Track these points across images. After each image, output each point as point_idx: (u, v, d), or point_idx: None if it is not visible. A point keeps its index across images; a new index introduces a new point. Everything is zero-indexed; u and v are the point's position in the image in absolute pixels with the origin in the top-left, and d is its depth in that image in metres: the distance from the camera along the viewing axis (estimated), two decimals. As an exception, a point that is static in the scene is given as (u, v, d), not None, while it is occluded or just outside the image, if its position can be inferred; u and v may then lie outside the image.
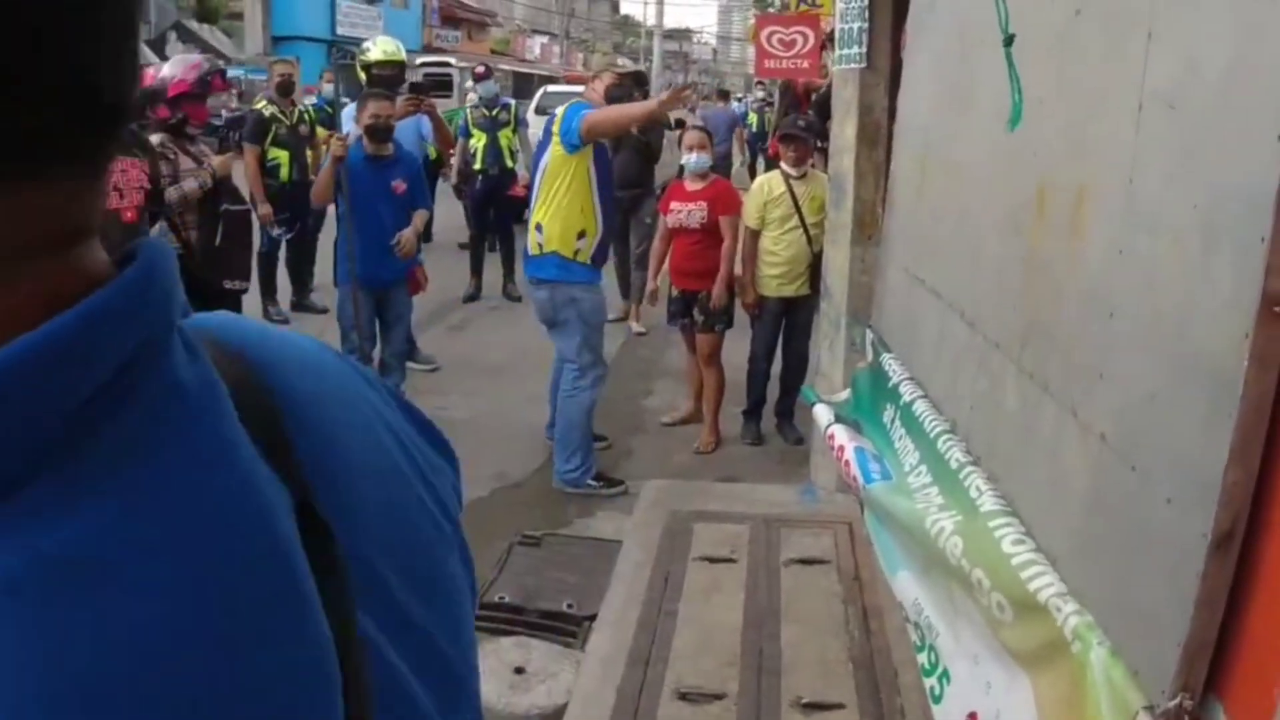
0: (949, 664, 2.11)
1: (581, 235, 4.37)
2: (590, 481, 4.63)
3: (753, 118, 15.91)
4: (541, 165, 4.43)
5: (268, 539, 0.41)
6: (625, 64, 5.02)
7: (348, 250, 4.96)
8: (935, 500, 2.21)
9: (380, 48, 6.27)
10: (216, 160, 5.17)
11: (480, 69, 9.18)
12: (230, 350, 0.47)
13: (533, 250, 4.48)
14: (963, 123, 2.31)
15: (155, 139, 4.69)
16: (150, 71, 5.63)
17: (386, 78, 6.17)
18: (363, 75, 6.37)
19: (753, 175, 12.28)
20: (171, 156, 4.66)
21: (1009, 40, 1.63)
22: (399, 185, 5.03)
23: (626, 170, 7.35)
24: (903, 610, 2.42)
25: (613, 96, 4.52)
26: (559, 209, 4.35)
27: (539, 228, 4.42)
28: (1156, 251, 1.36)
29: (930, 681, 2.20)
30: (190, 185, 4.69)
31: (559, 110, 4.46)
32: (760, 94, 16.97)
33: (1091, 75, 1.60)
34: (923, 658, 2.28)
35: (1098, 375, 1.55)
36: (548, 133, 4.45)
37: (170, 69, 5.03)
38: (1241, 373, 1.14)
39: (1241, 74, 1.20)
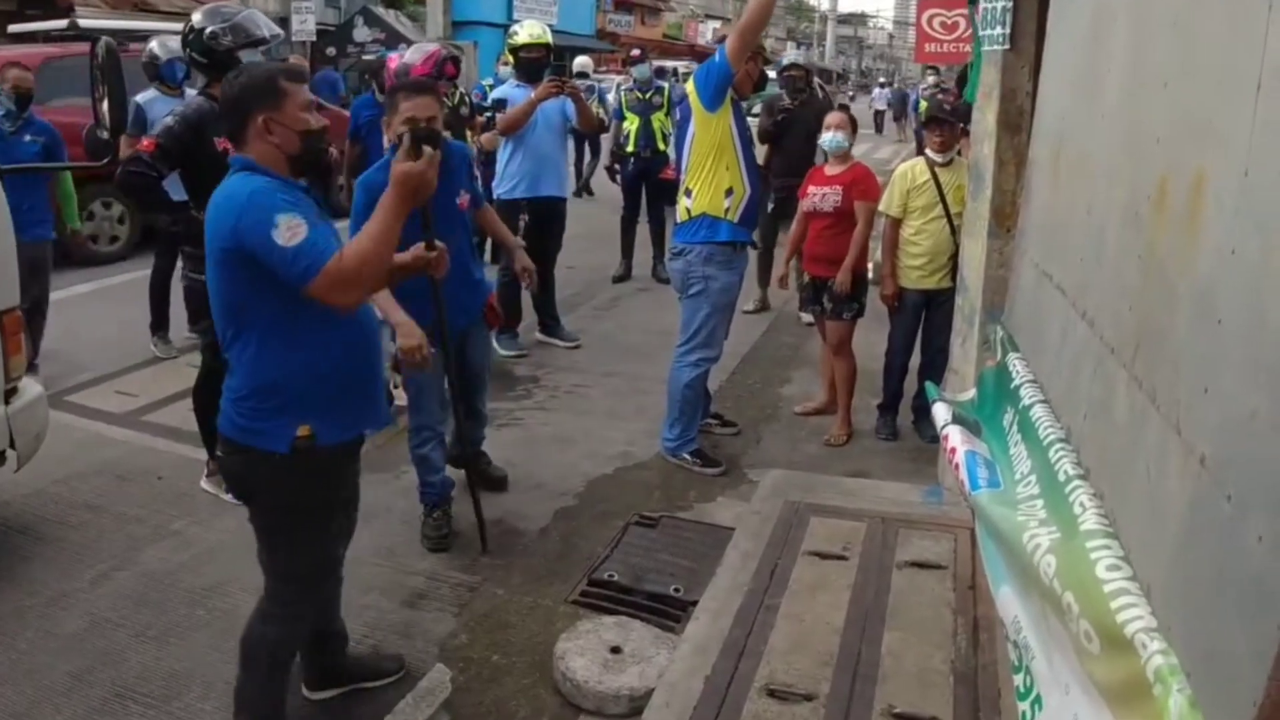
0: (1042, 690, 1.97)
1: (729, 192, 4.43)
2: (686, 455, 4.71)
3: (924, 106, 15.26)
4: (687, 140, 4.51)
5: None
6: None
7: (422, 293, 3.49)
8: (1038, 514, 2.05)
9: (527, 30, 6.38)
10: (484, 137, 5.80)
11: (636, 52, 9.21)
12: None
13: (681, 216, 4.57)
14: (1092, 107, 2.12)
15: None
16: (392, 58, 6.03)
17: (533, 60, 6.28)
18: (510, 59, 6.50)
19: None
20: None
21: None
22: (463, 200, 3.90)
23: (789, 158, 7.19)
24: (1005, 627, 2.28)
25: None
26: (707, 171, 4.42)
27: (688, 193, 4.51)
28: (1268, 252, 1.21)
29: (1023, 706, 2.06)
30: None
31: (687, 86, 4.57)
32: (932, 79, 16.21)
33: (1211, 54, 1.43)
34: (1019, 679, 2.14)
35: (1203, 389, 1.39)
36: (685, 115, 4.56)
37: (410, 56, 5.39)
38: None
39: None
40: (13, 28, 11.64)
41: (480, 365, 4.20)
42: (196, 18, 4.00)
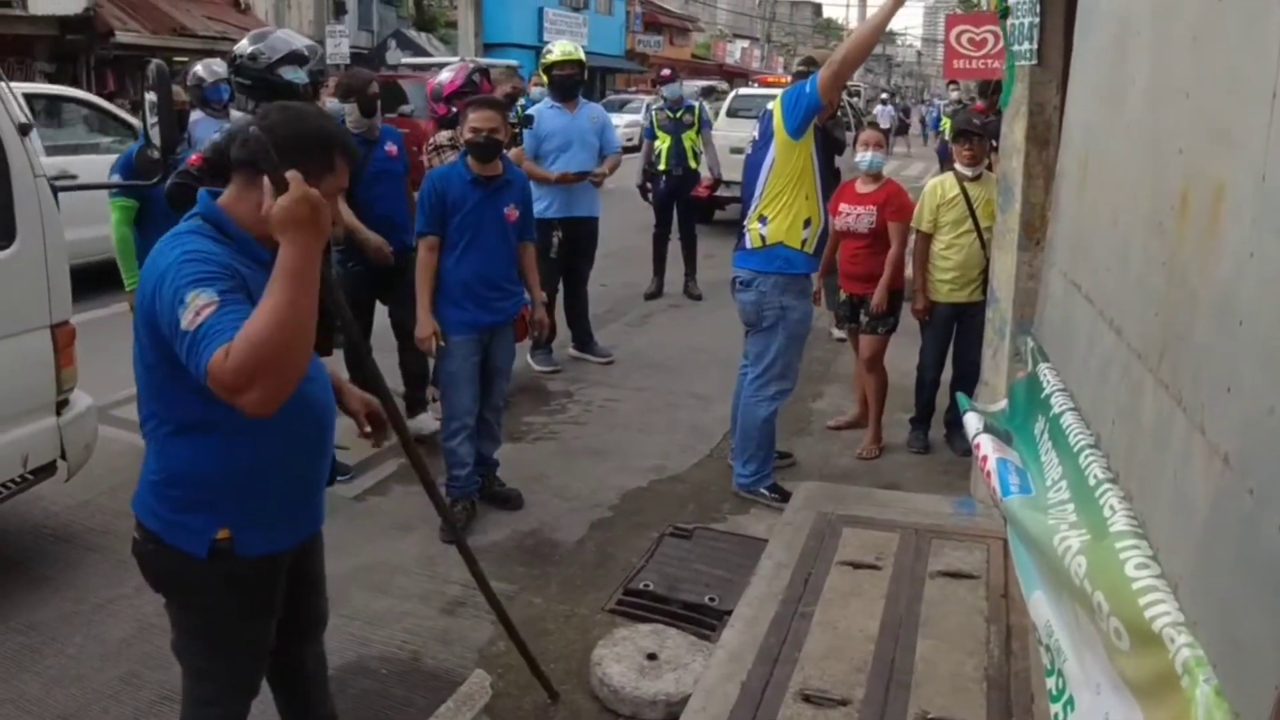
0: (1074, 692, 2.00)
1: (808, 224, 4.29)
2: (763, 490, 4.56)
3: (946, 123, 15.11)
4: (766, 164, 4.27)
5: None
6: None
7: (460, 288, 4.18)
8: (1068, 517, 2.09)
9: (560, 49, 6.50)
10: (511, 152, 5.96)
11: (666, 71, 9.30)
12: None
13: (753, 243, 4.34)
14: (1116, 119, 2.17)
15: (444, 135, 5.40)
16: (430, 79, 6.19)
17: (566, 77, 6.38)
18: (544, 77, 6.61)
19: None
20: (459, 146, 5.16)
21: (1004, 12, 1.52)
22: (511, 212, 4.25)
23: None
24: (1037, 632, 2.31)
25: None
26: (787, 199, 4.25)
27: (763, 219, 4.30)
28: (1285, 255, 1.26)
29: (1055, 708, 2.09)
30: None
31: (771, 105, 4.35)
32: (955, 95, 16.14)
33: (1229, 62, 1.48)
34: (1051, 683, 2.17)
35: (1225, 389, 1.43)
36: (764, 134, 4.34)
37: (446, 74, 5.56)
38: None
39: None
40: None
41: (498, 368, 4.38)
42: (240, 44, 4.14)
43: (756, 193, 4.34)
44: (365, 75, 5.10)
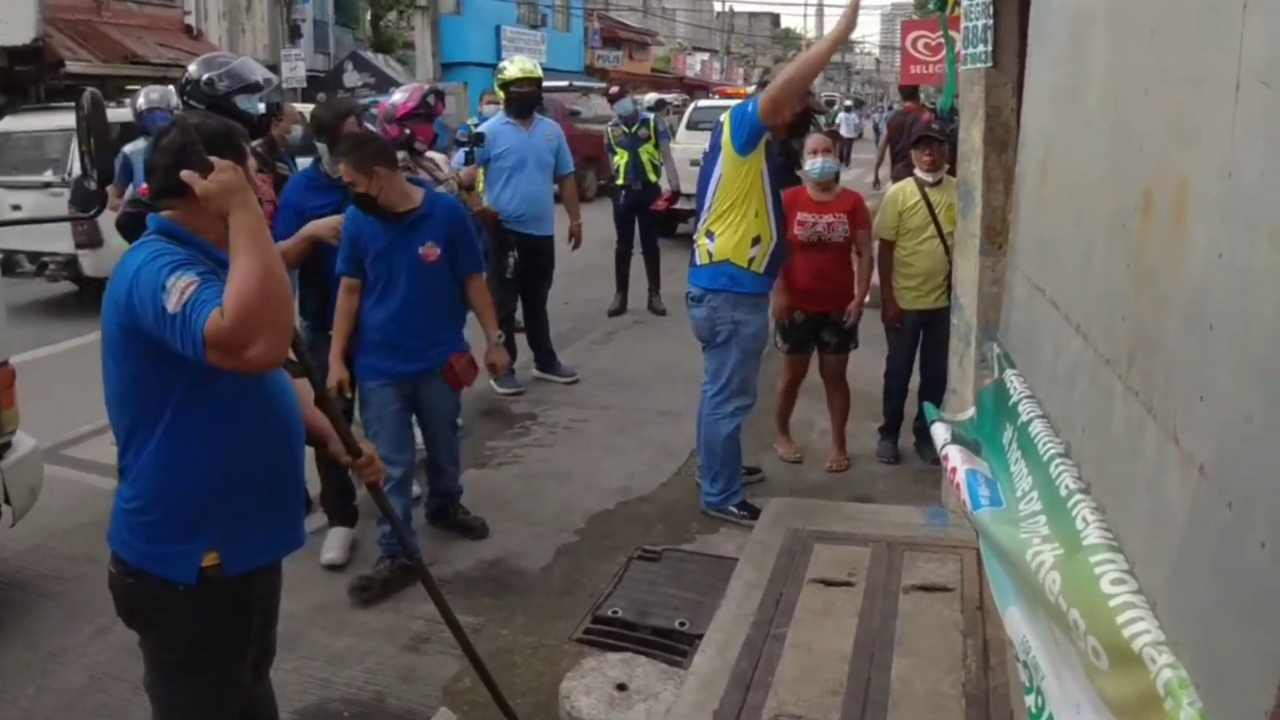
0: (1054, 710, 1.92)
1: (756, 242, 4.16)
2: (732, 509, 4.45)
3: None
4: (714, 177, 4.19)
5: None
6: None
7: (375, 334, 3.84)
8: (1040, 530, 2.02)
9: (517, 65, 6.42)
10: (463, 171, 5.72)
11: (614, 89, 9.31)
12: None
13: (701, 259, 4.26)
14: (1074, 119, 2.12)
15: (399, 156, 5.08)
16: (382, 101, 6.05)
17: (525, 95, 6.31)
18: (502, 95, 6.53)
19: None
20: (411, 168, 4.96)
21: (941, 4, 1.46)
22: (429, 251, 3.80)
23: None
24: (1014, 648, 2.24)
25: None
26: (734, 216, 4.14)
27: (710, 235, 4.21)
28: (1255, 254, 1.19)
29: (1036, 727, 2.02)
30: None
31: (723, 117, 4.26)
32: (910, 104, 16.19)
33: (1189, 58, 1.42)
34: (1030, 700, 2.09)
35: (1198, 396, 1.37)
36: (714, 146, 4.24)
37: (399, 95, 5.45)
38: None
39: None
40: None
41: (434, 418, 4.06)
42: (193, 68, 4.04)
43: (704, 205, 4.26)
44: (339, 109, 4.39)
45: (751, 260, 4.16)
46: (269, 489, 2.15)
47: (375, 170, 3.67)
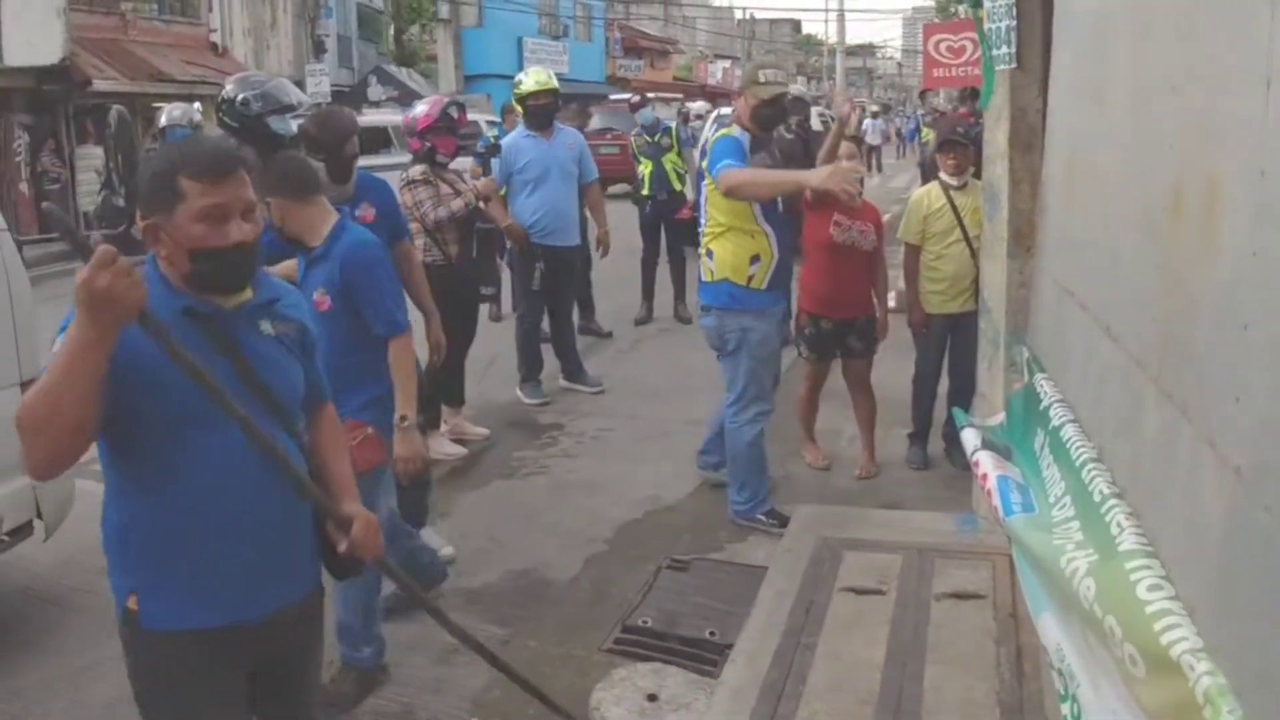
0: (1091, 718, 1.90)
1: (755, 260, 4.18)
2: (760, 516, 4.44)
3: (926, 133, 14.71)
4: (704, 195, 4.29)
5: None
6: (771, 76, 4.27)
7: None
8: (1074, 536, 1.99)
9: (533, 78, 6.38)
10: (480, 183, 5.75)
11: (635, 99, 9.32)
12: None
13: (705, 277, 4.37)
14: (1100, 119, 2.10)
15: (418, 169, 5.19)
16: (406, 114, 6.08)
17: (542, 106, 6.29)
18: (519, 109, 6.53)
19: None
20: (432, 181, 5.09)
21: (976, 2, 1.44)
22: (320, 300, 3.05)
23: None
24: (1048, 654, 2.21)
25: (761, 117, 4.24)
26: (728, 236, 4.20)
27: (709, 254, 4.30)
28: (1290, 253, 1.17)
29: (1072, 736, 1.99)
30: (457, 204, 5.15)
31: (708, 138, 4.28)
32: (936, 103, 15.96)
33: (1218, 54, 1.40)
34: (1065, 709, 2.06)
35: (1234, 398, 1.34)
36: (701, 172, 4.33)
37: (420, 107, 5.49)
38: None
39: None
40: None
41: (377, 509, 2.94)
42: (229, 87, 4.12)
43: (701, 224, 4.35)
44: (340, 127, 3.89)
45: (751, 278, 4.21)
46: (211, 545, 1.91)
47: (267, 199, 2.98)
